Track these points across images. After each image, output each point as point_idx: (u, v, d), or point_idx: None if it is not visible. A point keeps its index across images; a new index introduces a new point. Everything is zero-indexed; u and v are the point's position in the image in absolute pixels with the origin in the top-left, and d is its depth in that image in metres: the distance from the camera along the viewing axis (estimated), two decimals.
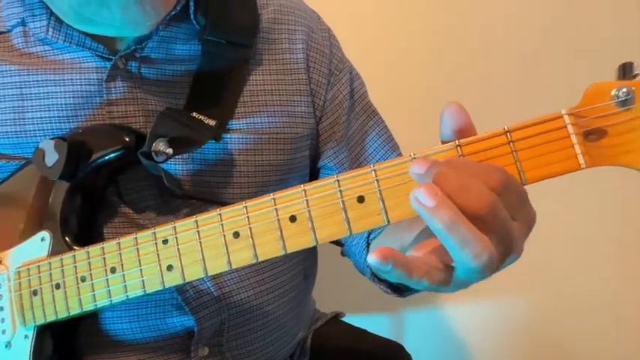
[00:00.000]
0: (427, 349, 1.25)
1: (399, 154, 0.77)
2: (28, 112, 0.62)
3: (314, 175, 0.75)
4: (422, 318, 1.26)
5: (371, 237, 0.71)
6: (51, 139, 0.57)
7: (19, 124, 0.62)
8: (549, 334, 1.28)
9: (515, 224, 0.41)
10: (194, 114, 0.63)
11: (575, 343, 1.28)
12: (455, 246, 0.38)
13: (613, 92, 0.41)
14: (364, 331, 0.91)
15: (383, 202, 0.44)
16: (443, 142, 0.44)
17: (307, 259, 0.79)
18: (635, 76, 0.41)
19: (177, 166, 0.64)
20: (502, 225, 0.39)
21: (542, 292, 1.27)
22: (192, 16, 0.64)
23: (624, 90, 0.40)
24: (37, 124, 0.62)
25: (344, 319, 0.92)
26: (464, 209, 0.38)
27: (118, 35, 0.62)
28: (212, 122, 0.63)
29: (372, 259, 0.39)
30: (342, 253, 0.79)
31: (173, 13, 0.62)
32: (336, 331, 0.88)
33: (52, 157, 0.57)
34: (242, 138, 0.66)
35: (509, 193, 0.40)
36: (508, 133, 0.43)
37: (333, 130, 0.73)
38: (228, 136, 0.66)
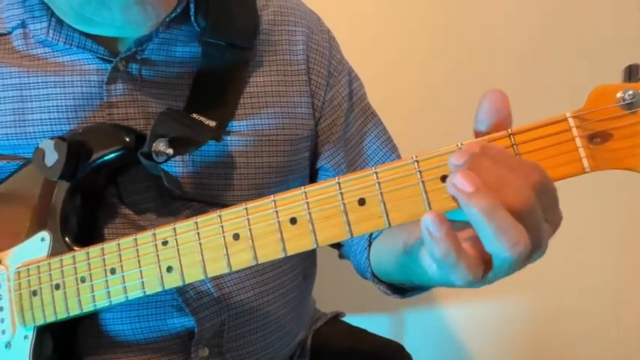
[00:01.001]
0: (427, 349, 1.25)
1: (398, 156, 0.76)
2: (28, 113, 0.62)
3: (313, 176, 0.75)
4: (422, 318, 1.25)
5: (372, 236, 0.71)
6: (50, 138, 0.57)
7: (20, 126, 0.62)
8: (549, 334, 1.28)
9: (545, 225, 0.40)
10: (194, 115, 0.62)
11: (576, 344, 1.28)
12: (492, 234, 0.37)
13: (619, 95, 0.40)
14: (364, 331, 0.91)
15: (384, 205, 0.44)
16: (476, 133, 0.43)
17: (307, 259, 0.79)
18: None
19: (178, 168, 0.64)
20: (536, 224, 0.39)
21: (543, 292, 1.27)
22: (192, 18, 0.64)
23: (630, 92, 0.40)
24: (37, 125, 0.62)
25: (344, 319, 0.92)
26: (503, 203, 0.37)
27: (119, 35, 0.62)
28: (212, 123, 0.63)
29: (428, 217, 0.38)
30: (341, 256, 0.79)
31: (173, 15, 0.62)
32: (336, 331, 0.88)
33: (51, 157, 0.56)
34: (242, 140, 0.66)
35: (545, 194, 0.39)
36: (512, 136, 0.42)
37: (331, 132, 0.72)
38: (229, 138, 0.65)
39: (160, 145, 0.58)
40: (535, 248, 0.39)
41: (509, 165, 0.39)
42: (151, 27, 0.60)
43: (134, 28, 0.59)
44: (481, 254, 0.40)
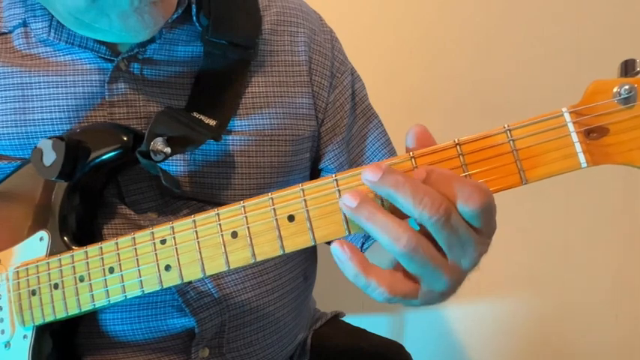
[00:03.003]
0: (427, 349, 1.25)
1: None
2: (29, 113, 0.62)
3: (314, 176, 0.75)
4: (422, 318, 1.25)
5: (364, 247, 0.71)
6: (48, 138, 0.57)
7: (21, 126, 0.62)
8: (549, 333, 1.28)
9: (475, 236, 0.42)
10: (194, 114, 0.62)
11: (575, 343, 1.28)
12: (376, 234, 0.42)
13: (615, 90, 0.40)
14: (364, 331, 0.91)
15: (381, 203, 0.44)
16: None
17: (307, 260, 0.79)
18: (637, 73, 0.40)
19: (179, 167, 0.64)
20: (456, 236, 0.42)
21: (542, 291, 1.26)
22: (194, 18, 0.64)
23: (626, 87, 0.40)
24: (39, 125, 0.62)
25: (344, 319, 0.92)
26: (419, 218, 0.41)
27: (117, 41, 0.62)
28: (212, 122, 0.62)
29: (335, 245, 0.43)
30: None
31: (175, 16, 0.62)
32: (336, 331, 0.88)
33: (49, 157, 0.56)
34: (243, 139, 0.66)
35: (483, 215, 0.41)
36: (508, 132, 0.42)
37: (335, 133, 0.73)
38: (230, 137, 0.65)
39: (158, 144, 0.57)
40: (459, 256, 0.43)
41: (450, 185, 0.41)
42: (149, 34, 0.59)
43: (133, 35, 0.59)
44: (405, 272, 0.43)
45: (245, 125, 0.66)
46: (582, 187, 1.17)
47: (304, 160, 0.71)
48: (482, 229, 0.42)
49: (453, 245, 0.42)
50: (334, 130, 0.72)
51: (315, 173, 0.75)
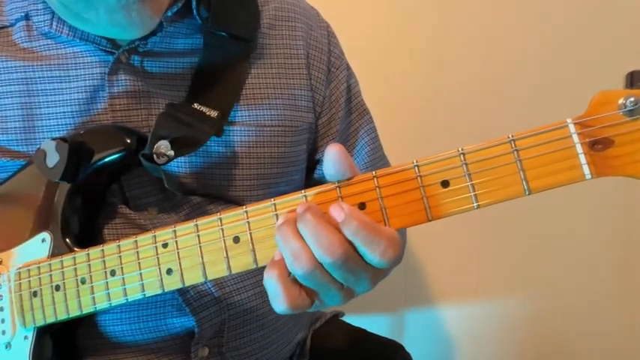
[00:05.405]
0: (427, 349, 1.25)
1: (381, 155, 0.78)
2: (35, 108, 0.63)
3: (311, 168, 0.76)
4: (422, 318, 1.26)
5: None
6: (52, 139, 0.57)
7: (28, 120, 0.62)
8: (548, 334, 1.28)
9: (374, 271, 0.46)
10: (195, 105, 0.63)
11: (576, 344, 1.29)
12: (283, 252, 0.46)
13: (620, 101, 0.40)
14: (364, 331, 0.91)
15: (385, 210, 0.44)
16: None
17: None
18: None
19: (180, 160, 0.64)
20: (352, 275, 0.45)
21: (542, 292, 1.27)
22: (194, 11, 0.65)
23: (632, 99, 0.39)
24: (46, 119, 0.63)
25: (344, 318, 0.92)
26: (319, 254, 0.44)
27: (107, 36, 0.62)
28: (214, 113, 0.63)
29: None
30: None
31: (175, 9, 0.62)
32: (336, 331, 0.88)
33: (53, 158, 0.56)
34: (244, 131, 0.67)
35: (393, 264, 0.45)
36: (512, 142, 0.42)
37: (330, 126, 0.74)
38: (230, 128, 0.66)
39: (161, 147, 0.58)
40: (353, 285, 0.47)
41: (363, 233, 0.43)
42: (137, 31, 0.59)
43: (119, 31, 0.59)
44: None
45: (245, 116, 0.67)
46: (582, 187, 1.17)
47: (301, 151, 0.72)
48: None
49: (347, 279, 0.45)
50: (330, 123, 0.74)
51: (312, 164, 0.76)
